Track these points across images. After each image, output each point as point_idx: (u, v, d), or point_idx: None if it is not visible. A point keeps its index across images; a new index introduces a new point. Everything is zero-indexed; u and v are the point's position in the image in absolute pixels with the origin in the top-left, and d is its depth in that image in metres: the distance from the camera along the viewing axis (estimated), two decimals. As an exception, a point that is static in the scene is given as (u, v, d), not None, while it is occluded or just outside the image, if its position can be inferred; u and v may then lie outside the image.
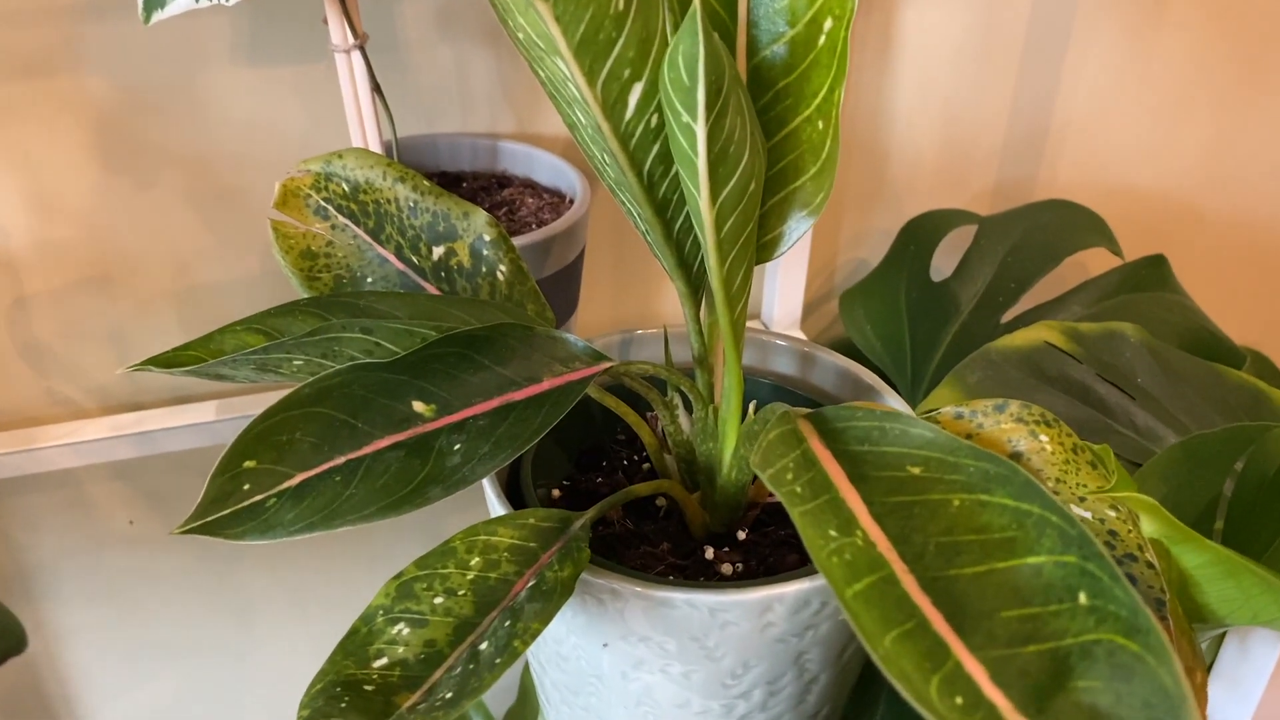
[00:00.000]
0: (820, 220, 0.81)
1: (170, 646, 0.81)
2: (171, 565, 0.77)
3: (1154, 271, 0.73)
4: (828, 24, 0.34)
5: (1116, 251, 0.74)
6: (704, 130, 0.31)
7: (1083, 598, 0.25)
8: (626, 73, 0.33)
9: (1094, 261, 0.85)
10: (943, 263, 0.75)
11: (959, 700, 0.23)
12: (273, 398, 0.71)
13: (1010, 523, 0.27)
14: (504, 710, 0.86)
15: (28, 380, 0.69)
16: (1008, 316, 0.70)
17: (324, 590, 0.82)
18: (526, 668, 0.83)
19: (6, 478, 0.68)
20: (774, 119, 0.36)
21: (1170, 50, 0.81)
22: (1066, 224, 0.74)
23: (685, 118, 0.31)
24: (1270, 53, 0.84)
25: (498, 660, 0.33)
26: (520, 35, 0.34)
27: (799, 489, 0.30)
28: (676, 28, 0.34)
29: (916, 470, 0.30)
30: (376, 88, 0.58)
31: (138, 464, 0.72)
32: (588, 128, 0.36)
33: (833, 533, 0.28)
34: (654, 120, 0.34)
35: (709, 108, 0.31)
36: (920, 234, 0.75)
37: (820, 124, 0.35)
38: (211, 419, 0.68)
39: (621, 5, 0.31)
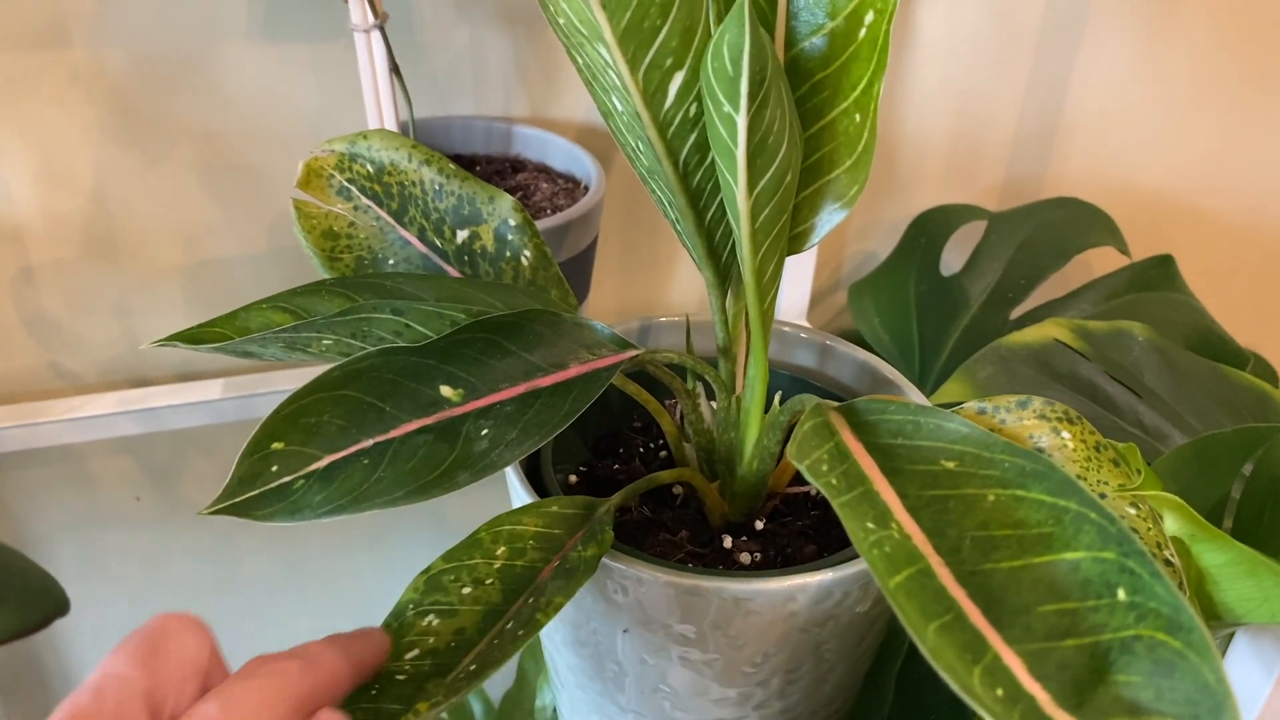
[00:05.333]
0: (845, 216, 0.81)
1: (169, 623, 0.80)
2: (173, 541, 0.77)
3: (1161, 271, 0.73)
4: (869, 17, 0.34)
5: (1124, 250, 0.75)
6: (745, 121, 0.31)
7: (1122, 594, 0.25)
8: (669, 61, 0.33)
9: (1100, 259, 0.85)
10: (952, 257, 0.76)
11: (1000, 692, 0.24)
12: (282, 378, 0.72)
13: (1047, 518, 0.28)
14: (501, 694, 0.86)
15: (32, 353, 0.68)
16: (1017, 313, 0.71)
17: (327, 567, 0.82)
18: (526, 652, 0.84)
19: (9, 451, 0.68)
20: (811, 110, 0.36)
21: (1180, 52, 0.82)
22: (1076, 222, 0.74)
23: (727, 108, 0.31)
24: (1277, 58, 0.84)
25: (520, 633, 0.33)
26: (561, 21, 0.34)
27: (834, 480, 0.30)
28: (719, 18, 0.34)
29: (951, 465, 0.30)
30: (395, 68, 0.58)
31: (142, 440, 0.72)
32: (625, 115, 0.35)
33: (870, 524, 0.28)
34: (693, 110, 0.34)
35: (751, 98, 0.31)
36: (930, 228, 0.75)
37: (858, 116, 0.35)
38: (218, 397, 0.68)
39: (667, -7, 0.31)
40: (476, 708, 0.84)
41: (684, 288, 0.80)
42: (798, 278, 0.77)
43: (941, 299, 0.71)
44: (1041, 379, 0.62)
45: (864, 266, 0.84)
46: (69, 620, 0.77)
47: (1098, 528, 0.27)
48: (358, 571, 0.82)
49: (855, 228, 0.82)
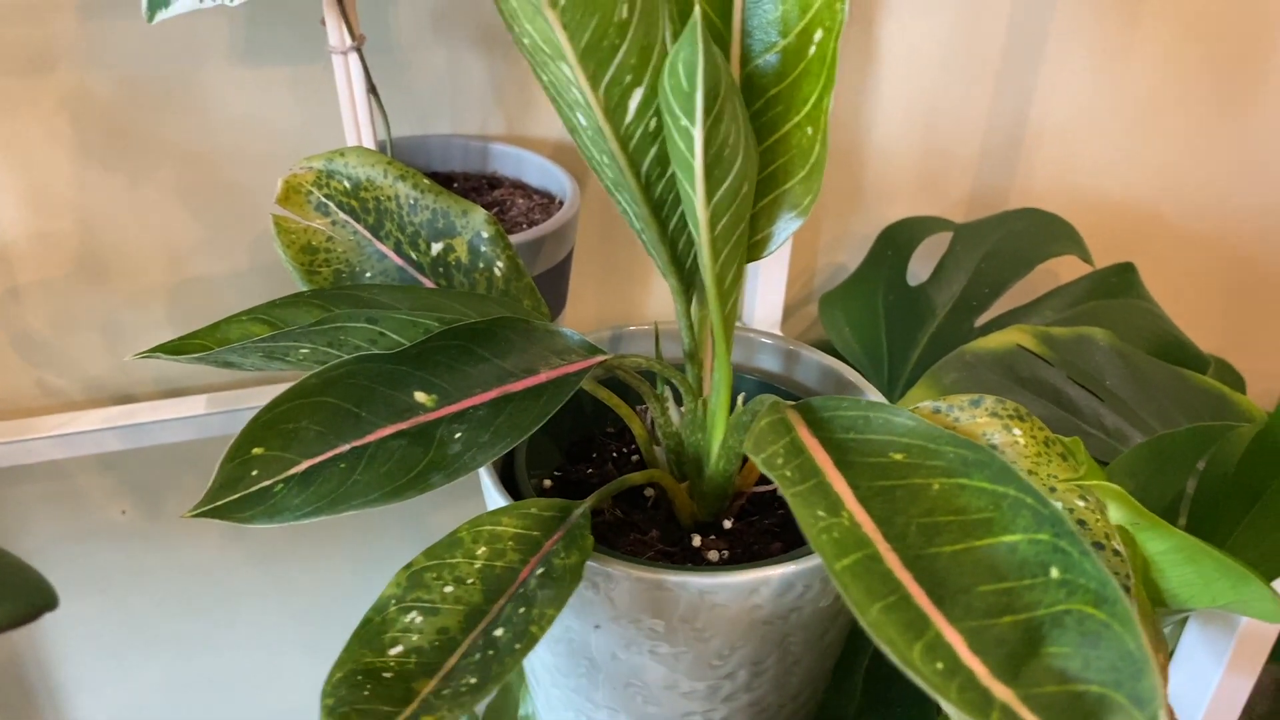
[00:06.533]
0: (800, 225, 0.83)
1: (155, 638, 0.81)
2: (158, 557, 0.78)
3: (1123, 279, 0.75)
4: (818, 35, 0.36)
5: (1087, 259, 0.77)
6: (701, 134, 0.33)
7: (1055, 572, 0.27)
8: (628, 78, 0.34)
9: (1065, 268, 0.87)
10: (919, 268, 0.77)
11: (940, 666, 0.25)
12: (264, 393, 0.73)
13: (987, 504, 0.29)
14: (484, 704, 0.87)
15: (19, 371, 0.69)
16: (982, 320, 0.72)
17: (309, 583, 0.83)
18: (508, 661, 0.85)
19: (-4, 468, 0.69)
20: (765, 124, 0.38)
21: (1142, 65, 0.84)
22: (1039, 232, 0.77)
23: (684, 122, 0.33)
24: (1238, 69, 0.87)
25: (517, 646, 0.34)
26: (526, 41, 0.35)
27: (789, 473, 0.31)
28: (676, 37, 0.36)
29: (899, 456, 0.32)
30: (372, 89, 0.60)
31: (128, 456, 0.73)
32: (589, 130, 0.37)
33: (821, 513, 0.30)
34: (653, 124, 0.36)
35: (706, 113, 0.32)
36: (898, 239, 0.77)
37: (810, 130, 0.37)
38: (202, 412, 0.69)
39: (625, 14, 0.33)
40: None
41: (661, 298, 0.82)
42: (771, 290, 0.79)
43: (909, 308, 0.73)
44: (1005, 383, 0.64)
45: (835, 278, 0.86)
46: (56, 633, 0.78)
47: (1033, 511, 0.28)
48: (342, 585, 0.83)
49: (827, 240, 0.84)
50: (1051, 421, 0.63)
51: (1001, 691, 0.25)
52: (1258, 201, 0.94)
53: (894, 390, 0.71)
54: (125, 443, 0.69)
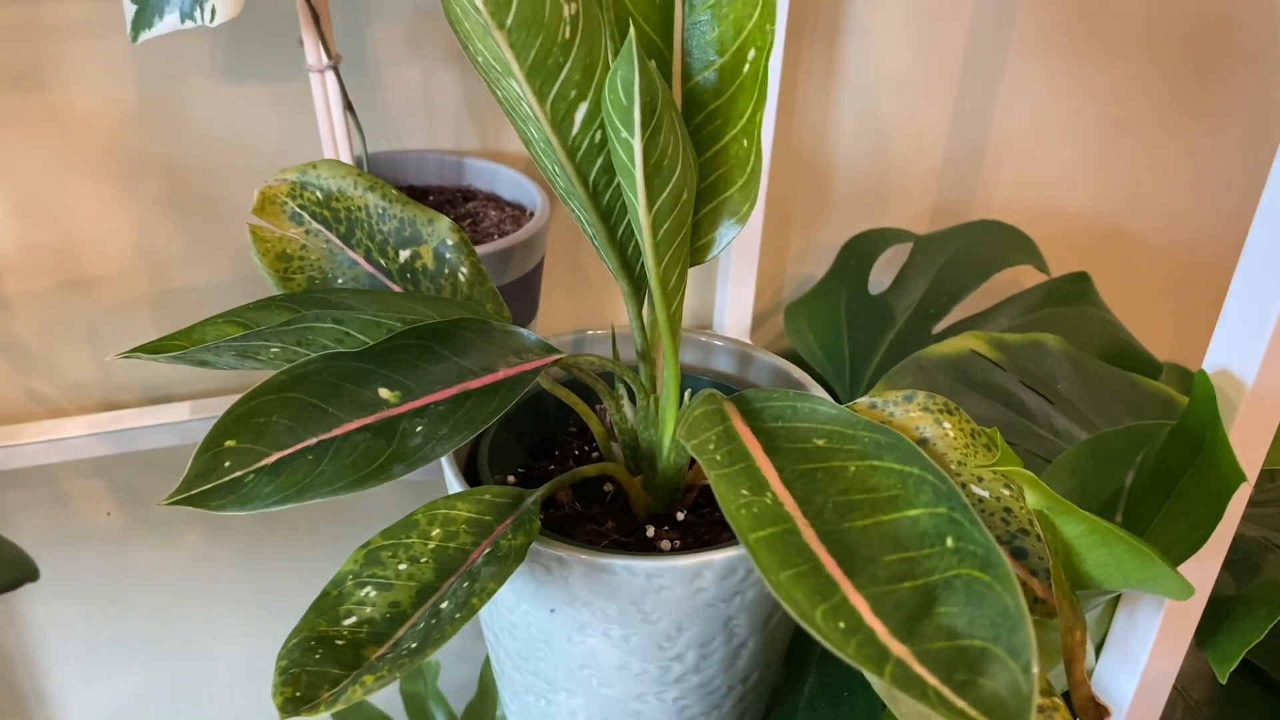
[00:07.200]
0: (769, 237, 0.86)
1: (141, 640, 0.83)
2: (143, 561, 0.80)
3: (1077, 287, 0.78)
4: (751, 53, 0.39)
5: (1043, 268, 0.80)
6: (640, 145, 0.35)
7: (949, 541, 0.29)
8: (573, 93, 0.37)
9: (1029, 278, 0.90)
10: (881, 277, 0.80)
11: (841, 625, 0.28)
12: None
13: (896, 483, 0.32)
14: (464, 705, 0.89)
15: (7, 379, 0.72)
16: (939, 327, 0.75)
17: (291, 587, 0.85)
18: (487, 662, 0.87)
19: (-15, 473, 0.71)
20: (706, 137, 0.41)
21: (1099, 81, 0.87)
22: (996, 242, 0.79)
23: (624, 134, 0.36)
24: (1193, 86, 0.90)
25: (457, 615, 0.37)
26: (479, 59, 0.38)
27: (719, 457, 0.34)
28: (618, 55, 0.38)
29: (821, 442, 0.35)
30: (349, 105, 0.62)
31: (113, 461, 0.75)
32: (539, 142, 0.40)
33: (745, 492, 0.32)
34: (598, 136, 0.39)
35: (644, 125, 0.35)
36: (860, 250, 0.80)
37: (745, 142, 0.40)
38: (186, 418, 0.72)
39: (568, 34, 0.36)
40: (440, 717, 0.87)
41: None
42: (740, 299, 0.81)
43: (870, 316, 0.76)
44: (959, 387, 0.66)
45: (804, 288, 0.88)
46: (42, 635, 0.80)
47: (934, 488, 0.31)
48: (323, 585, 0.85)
49: (795, 252, 0.87)
50: (1003, 423, 0.65)
51: (897, 648, 0.27)
52: (1214, 212, 0.97)
53: (855, 394, 0.73)
54: (111, 448, 0.71)
